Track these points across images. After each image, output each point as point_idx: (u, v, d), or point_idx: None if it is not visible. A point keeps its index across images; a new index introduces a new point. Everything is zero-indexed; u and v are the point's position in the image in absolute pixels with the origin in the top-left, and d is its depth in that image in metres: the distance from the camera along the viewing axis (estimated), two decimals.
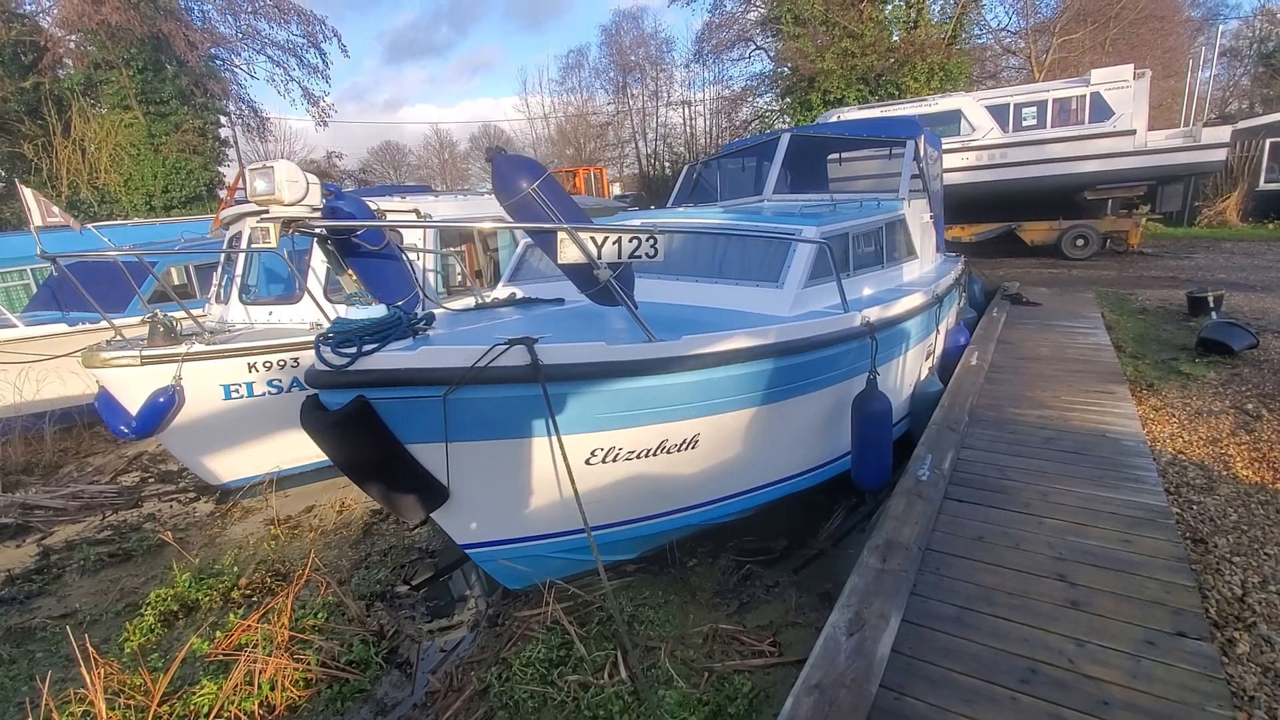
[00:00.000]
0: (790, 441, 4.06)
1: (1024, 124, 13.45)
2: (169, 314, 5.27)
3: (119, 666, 3.37)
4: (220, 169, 20.06)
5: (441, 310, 4.36)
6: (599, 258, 2.84)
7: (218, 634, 3.62)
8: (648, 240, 2.91)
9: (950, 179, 13.33)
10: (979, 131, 13.56)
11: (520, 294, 4.88)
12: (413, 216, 6.44)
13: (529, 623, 3.62)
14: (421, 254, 6.42)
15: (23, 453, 6.58)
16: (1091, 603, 2.77)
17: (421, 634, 3.71)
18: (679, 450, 3.50)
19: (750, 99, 25.53)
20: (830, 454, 4.40)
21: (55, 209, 4.24)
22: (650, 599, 3.82)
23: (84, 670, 2.93)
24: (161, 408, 5.09)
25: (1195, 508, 3.77)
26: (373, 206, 3.70)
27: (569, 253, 2.78)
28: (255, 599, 4.08)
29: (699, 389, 3.28)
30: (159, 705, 3.13)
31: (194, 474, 5.86)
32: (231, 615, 3.84)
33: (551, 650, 3.38)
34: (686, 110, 34.24)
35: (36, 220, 4.83)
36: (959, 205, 13.35)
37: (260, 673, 3.21)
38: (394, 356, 2.74)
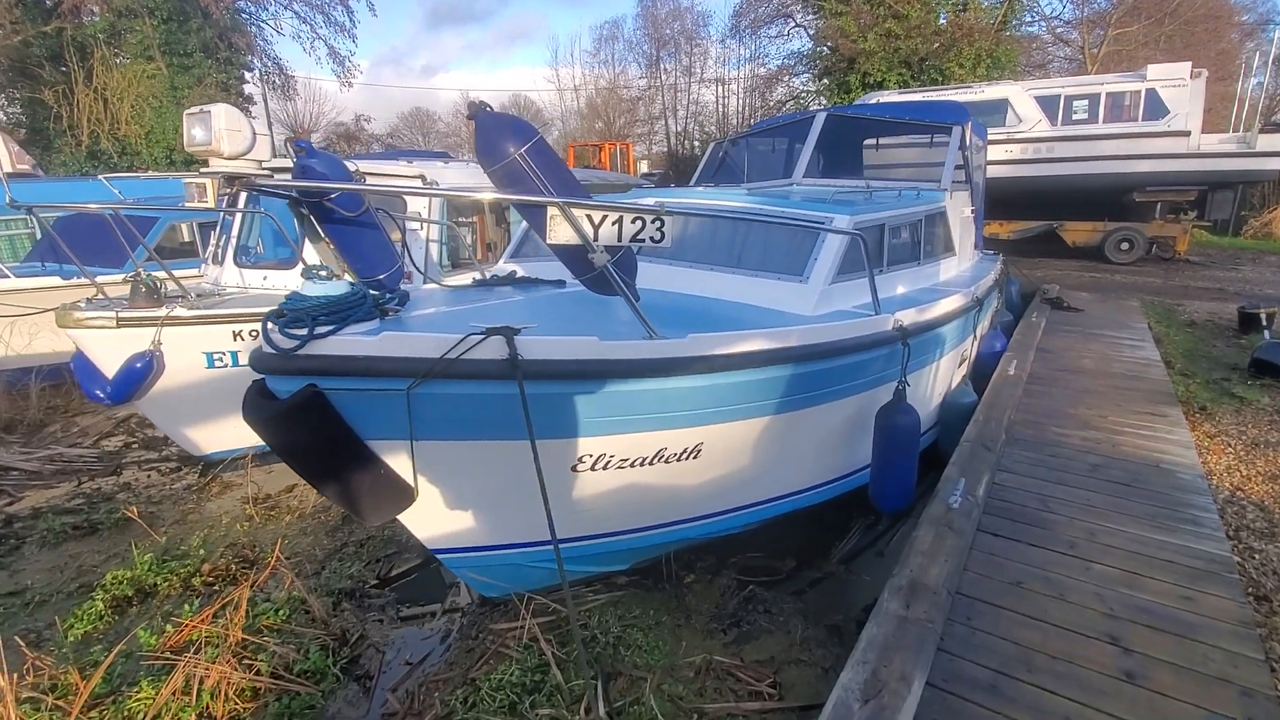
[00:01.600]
0: (804, 453, 3.66)
1: (1074, 117, 12.67)
2: (152, 274, 4.96)
3: (51, 661, 3.09)
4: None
5: (432, 287, 3.98)
6: (595, 239, 2.43)
7: (168, 627, 3.33)
8: (652, 221, 2.49)
9: (991, 171, 12.61)
10: (1026, 123, 12.81)
11: (521, 272, 4.48)
12: (418, 183, 6.04)
13: (505, 638, 3.28)
14: (425, 224, 6.04)
15: (6, 409, 6.37)
16: (1149, 675, 2.35)
17: (387, 641, 3.39)
18: (679, 460, 3.11)
19: (786, 79, 24.64)
20: (848, 467, 3.99)
21: (27, 156, 3.90)
22: (640, 619, 3.46)
23: (4, 681, 2.63)
24: (139, 373, 4.79)
25: (1257, 557, 3.31)
26: (351, 168, 3.30)
27: (560, 231, 2.38)
28: (217, 588, 3.79)
29: (704, 395, 2.88)
30: (88, 710, 2.84)
31: (176, 443, 5.60)
32: (186, 607, 3.54)
33: (526, 673, 3.04)
34: (720, 89, 33.32)
35: (6, 167, 4.52)
36: (999, 200, 12.64)
37: (203, 679, 2.90)
38: (352, 341, 2.37)
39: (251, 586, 3.67)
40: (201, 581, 3.83)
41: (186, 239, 9.24)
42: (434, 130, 51.96)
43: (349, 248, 3.30)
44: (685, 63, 34.32)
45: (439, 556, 3.23)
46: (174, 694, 2.86)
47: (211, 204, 2.28)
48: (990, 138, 12.58)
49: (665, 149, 35.57)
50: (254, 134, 2.32)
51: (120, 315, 4.61)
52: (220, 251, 6.24)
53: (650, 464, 3.06)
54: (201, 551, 4.12)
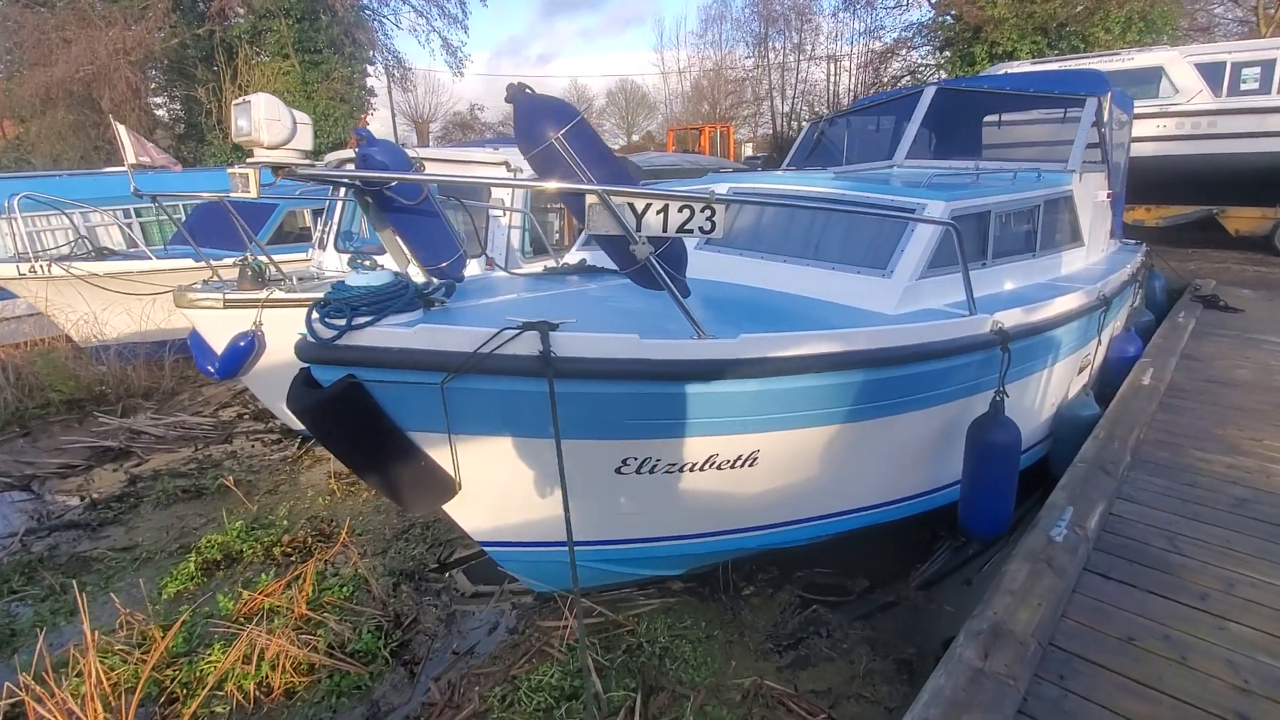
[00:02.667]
0: (881, 466, 3.32)
1: (1242, 88, 10.89)
2: (260, 258, 5.29)
3: (142, 618, 3.35)
4: (365, 116, 21.10)
5: (496, 275, 3.94)
6: (637, 229, 2.25)
7: (244, 594, 3.54)
8: (702, 210, 2.26)
9: (1140, 149, 11.14)
10: (1183, 94, 11.17)
11: (590, 261, 4.37)
12: (503, 170, 6.08)
13: (550, 637, 3.21)
14: (508, 212, 6.08)
15: (145, 378, 7.09)
16: None
17: (438, 628, 3.41)
18: (732, 467, 2.88)
19: (903, 52, 23.04)
20: (934, 482, 3.59)
21: (151, 148, 4.24)
22: (690, 630, 3.29)
23: (85, 625, 2.87)
24: (242, 351, 5.13)
25: None
26: (410, 155, 3.29)
27: (601, 221, 2.21)
28: (294, 559, 3.99)
29: (760, 400, 2.63)
30: (166, 667, 3.05)
31: (278, 416, 6.00)
32: (264, 575, 3.75)
33: (566, 676, 2.96)
34: (831, 66, 31.77)
35: (130, 159, 4.95)
36: (1147, 182, 11.15)
37: (264, 650, 3.04)
38: (388, 333, 2.34)
39: (319, 562, 3.84)
40: (280, 551, 4.05)
41: (306, 224, 9.93)
42: None
43: (412, 236, 3.30)
44: (795, 40, 32.97)
45: (486, 549, 3.20)
46: (236, 662, 3.02)
47: (254, 193, 2.30)
48: (1139, 111, 11.14)
49: (771, 131, 34.44)
50: (295, 123, 2.31)
51: (226, 296, 4.95)
52: (325, 237, 6.60)
53: (701, 470, 2.86)
54: (285, 522, 4.37)
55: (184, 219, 10.06)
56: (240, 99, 2.36)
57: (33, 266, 7.11)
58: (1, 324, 8.28)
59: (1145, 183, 11.12)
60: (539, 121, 2.24)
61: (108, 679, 2.89)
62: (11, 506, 4.93)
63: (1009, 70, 12.46)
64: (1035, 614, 2.46)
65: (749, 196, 3.40)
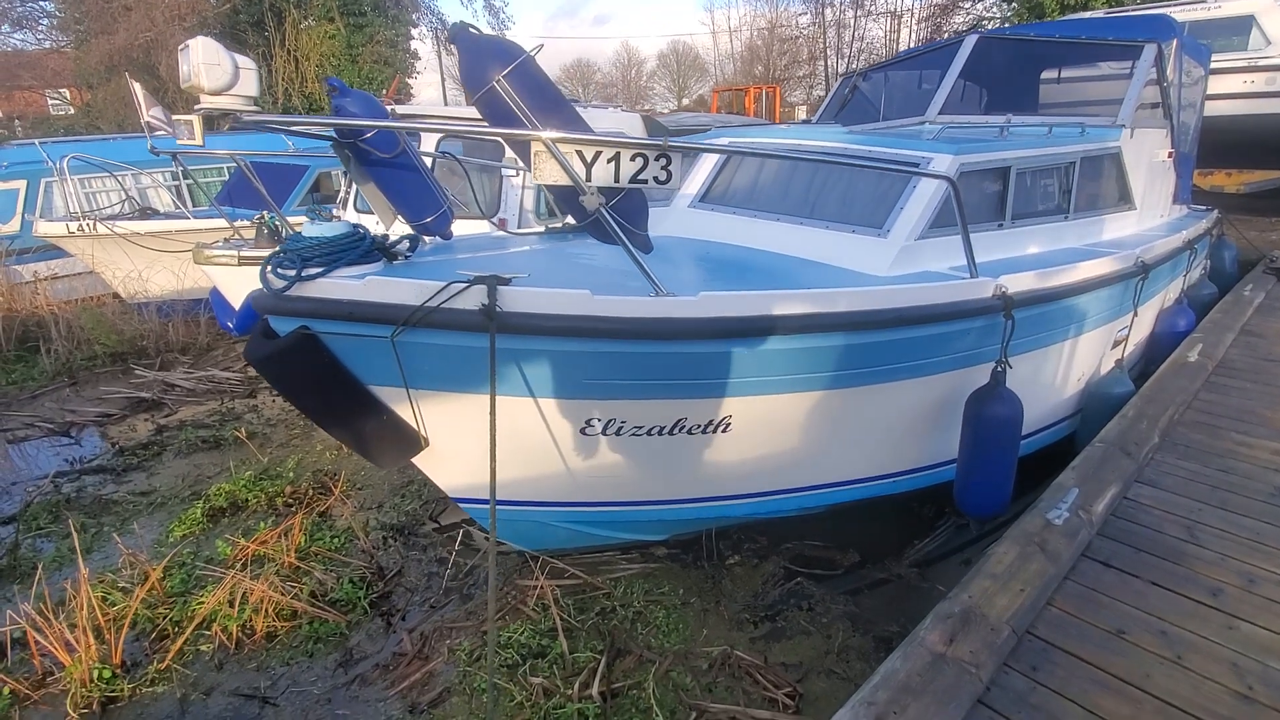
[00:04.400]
0: (870, 438, 3.14)
1: None
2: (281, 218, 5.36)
3: (145, 557, 3.49)
4: (408, 80, 21.19)
5: (498, 234, 3.86)
6: (587, 179, 2.11)
7: (241, 540, 3.65)
8: (656, 159, 2.11)
9: (1220, 107, 10.15)
10: (1276, 45, 10.09)
11: None
12: None
13: (525, 595, 3.20)
14: (521, 172, 5.98)
15: (183, 334, 7.38)
16: None
17: (420, 582, 3.45)
18: (703, 432, 2.77)
19: (966, 4, 21.61)
20: (933, 457, 3.39)
21: (160, 110, 4.27)
22: (667, 596, 3.23)
23: (80, 561, 3.00)
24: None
25: None
26: (388, 107, 3.20)
27: (547, 170, 2.09)
28: (294, 509, 4.10)
29: (728, 363, 2.49)
30: (157, 607, 3.18)
31: None
32: (262, 524, 3.86)
33: (537, 635, 2.95)
34: (890, 23, 30.13)
35: (144, 118, 5.04)
36: (1230, 143, 10.17)
37: (248, 594, 3.13)
38: (336, 285, 2.29)
39: (310, 513, 3.94)
40: (283, 502, 4.16)
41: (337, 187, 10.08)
42: (593, 80, 52.60)
43: (394, 191, 3.23)
44: None
45: (462, 505, 3.19)
46: (222, 603, 3.12)
47: (199, 141, 2.26)
48: (1223, 64, 10.14)
49: (825, 93, 33.02)
50: (236, 67, 2.24)
51: (241, 254, 5.05)
52: (348, 198, 6.66)
53: (670, 434, 2.75)
54: (291, 474, 4.49)
55: (227, 179, 10.36)
56: (182, 44, 2.31)
57: (80, 225, 7.43)
58: (57, 281, 8.72)
59: (1227, 144, 10.15)
60: (481, 63, 2.11)
61: (104, 613, 3.03)
62: (51, 450, 5.22)
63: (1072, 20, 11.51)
64: (1016, 600, 2.28)
65: (733, 149, 3.19)
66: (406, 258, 2.68)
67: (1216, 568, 2.51)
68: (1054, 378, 3.64)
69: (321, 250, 2.34)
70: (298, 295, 2.29)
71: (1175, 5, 11.28)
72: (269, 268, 2.35)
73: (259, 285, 2.36)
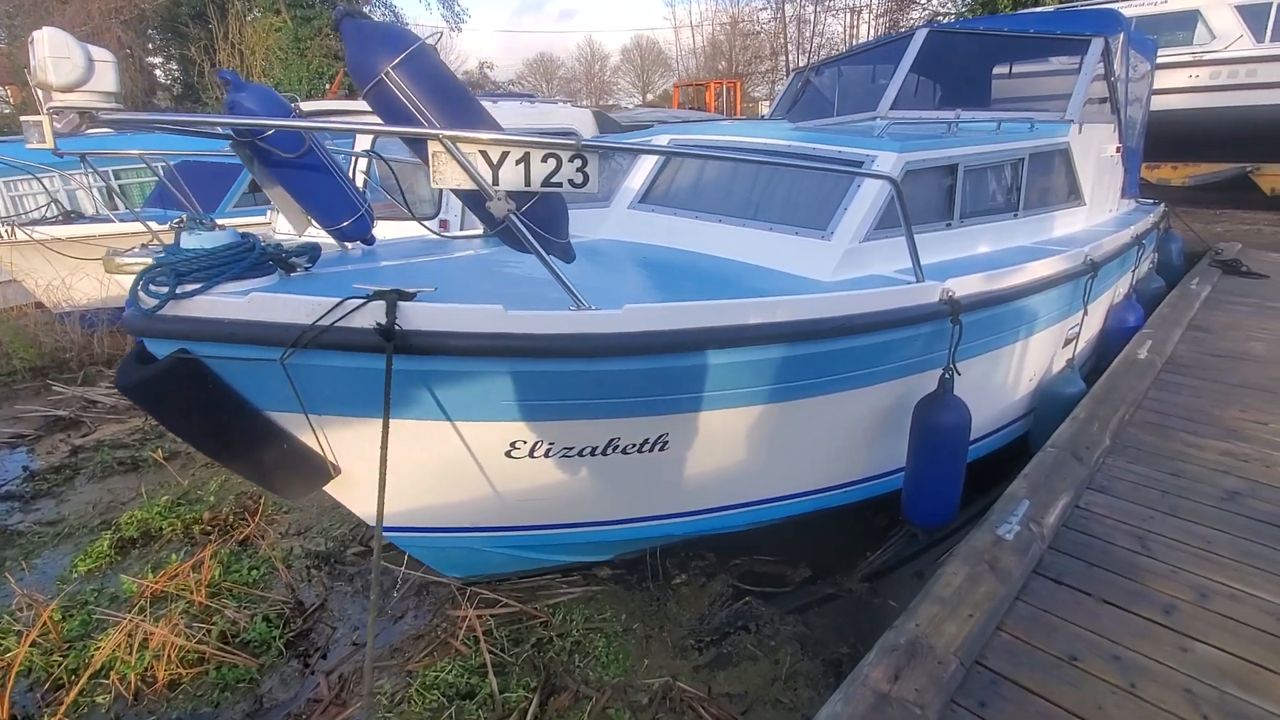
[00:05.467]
0: (818, 449, 3.00)
1: None
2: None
3: (42, 598, 3.19)
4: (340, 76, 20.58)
5: (429, 239, 3.61)
6: (494, 183, 1.91)
7: (148, 576, 3.36)
8: (570, 160, 1.91)
9: (1167, 101, 10.33)
10: (1221, 40, 10.30)
11: None
12: None
13: (456, 628, 2.99)
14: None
15: (108, 346, 6.94)
16: None
17: (344, 616, 3.21)
18: (639, 451, 2.59)
19: None
20: (883, 466, 3.27)
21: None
22: (609, 621, 3.05)
23: None
24: None
25: None
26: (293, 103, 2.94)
27: (448, 172, 1.87)
28: (212, 537, 3.81)
29: (660, 379, 2.31)
30: (53, 653, 2.89)
31: None
32: (173, 557, 3.57)
33: (466, 673, 2.74)
34: (851, 17, 30.30)
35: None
36: (1176, 137, 10.37)
37: (148, 638, 2.86)
38: (217, 303, 2.05)
39: (229, 542, 3.67)
40: (200, 530, 3.87)
41: None
42: (556, 75, 52.00)
43: (303, 193, 2.98)
44: None
45: (387, 535, 2.95)
46: (119, 650, 2.84)
47: (49, 144, 1.99)
48: (1170, 59, 10.32)
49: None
50: (90, 60, 1.99)
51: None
52: None
53: (604, 454, 2.57)
54: (213, 499, 4.18)
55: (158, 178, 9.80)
56: (30, 36, 2.03)
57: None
58: None
59: (1174, 139, 10.35)
60: (368, 53, 1.89)
61: None
62: None
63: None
64: (965, 627, 2.15)
65: (658, 149, 3.01)
66: (307, 269, 2.43)
67: (1169, 581, 2.42)
68: (1005, 380, 3.55)
69: (200, 263, 2.09)
70: (172, 315, 2.04)
71: (1125, 2, 11.46)
72: (140, 284, 2.09)
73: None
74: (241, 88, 2.66)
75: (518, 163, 1.90)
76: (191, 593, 3.21)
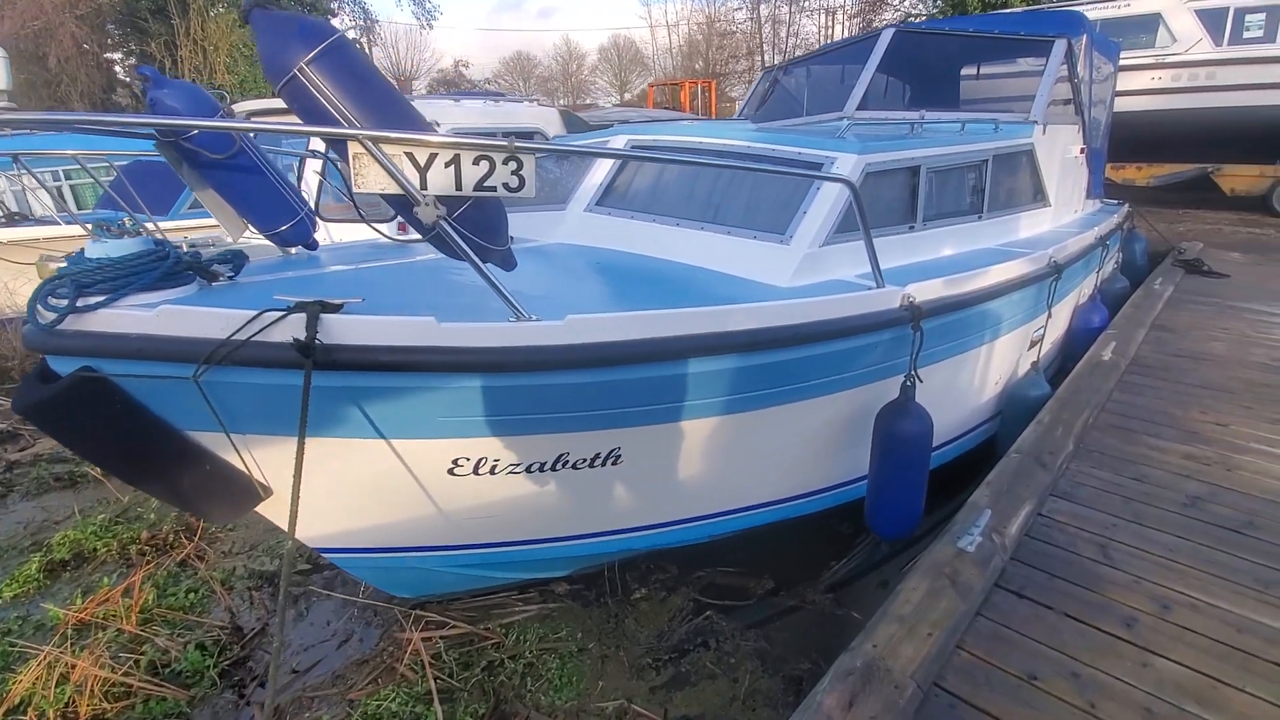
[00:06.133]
0: (780, 458, 2.92)
1: (1245, 36, 10.17)
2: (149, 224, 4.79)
3: None
4: None
5: (380, 243, 3.45)
6: (421, 186, 1.78)
7: (77, 602, 3.17)
8: (505, 162, 1.80)
9: (1132, 104, 10.48)
10: (1181, 43, 10.47)
11: None
12: None
13: (402, 652, 2.85)
14: None
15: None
16: None
17: (285, 642, 3.05)
18: (591, 466, 2.48)
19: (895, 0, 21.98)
20: (847, 474, 3.20)
21: None
22: (564, 641, 2.93)
23: None
24: None
25: None
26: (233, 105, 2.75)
27: (371, 175, 1.75)
28: (149, 557, 3.61)
29: (604, 393, 2.20)
30: None
31: None
32: (105, 580, 3.38)
33: (411, 700, 2.60)
34: (825, 18, 30.51)
35: None
36: (1140, 138, 10.53)
37: (69, 670, 2.68)
38: (123, 316, 1.89)
39: (168, 562, 3.48)
40: (138, 550, 3.67)
41: None
42: (534, 74, 51.60)
43: (237, 197, 2.82)
44: None
45: (325, 556, 2.81)
46: (39, 683, 2.66)
47: None
48: (1133, 61, 10.46)
49: None
50: None
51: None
52: None
53: (553, 469, 2.45)
54: (153, 516, 3.98)
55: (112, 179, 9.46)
56: None
57: None
58: None
59: (1137, 139, 10.51)
60: (280, 47, 1.75)
61: None
62: None
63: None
64: (923, 647, 2.08)
65: (599, 150, 2.90)
66: (230, 277, 2.28)
67: (1130, 592, 2.36)
68: (970, 385, 3.50)
69: (105, 274, 1.93)
70: (74, 330, 1.89)
71: (1087, 3, 11.62)
72: (38, 297, 1.93)
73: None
74: (162, 84, 2.50)
75: (447, 165, 1.78)
76: (122, 619, 3.03)
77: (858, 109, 5.29)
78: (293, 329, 1.87)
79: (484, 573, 2.99)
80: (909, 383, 2.69)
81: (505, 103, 6.74)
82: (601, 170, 3.50)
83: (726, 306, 2.22)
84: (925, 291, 2.71)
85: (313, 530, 2.65)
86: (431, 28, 24.57)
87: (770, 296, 2.58)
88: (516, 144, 1.78)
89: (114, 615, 3.05)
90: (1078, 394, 3.89)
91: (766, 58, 31.68)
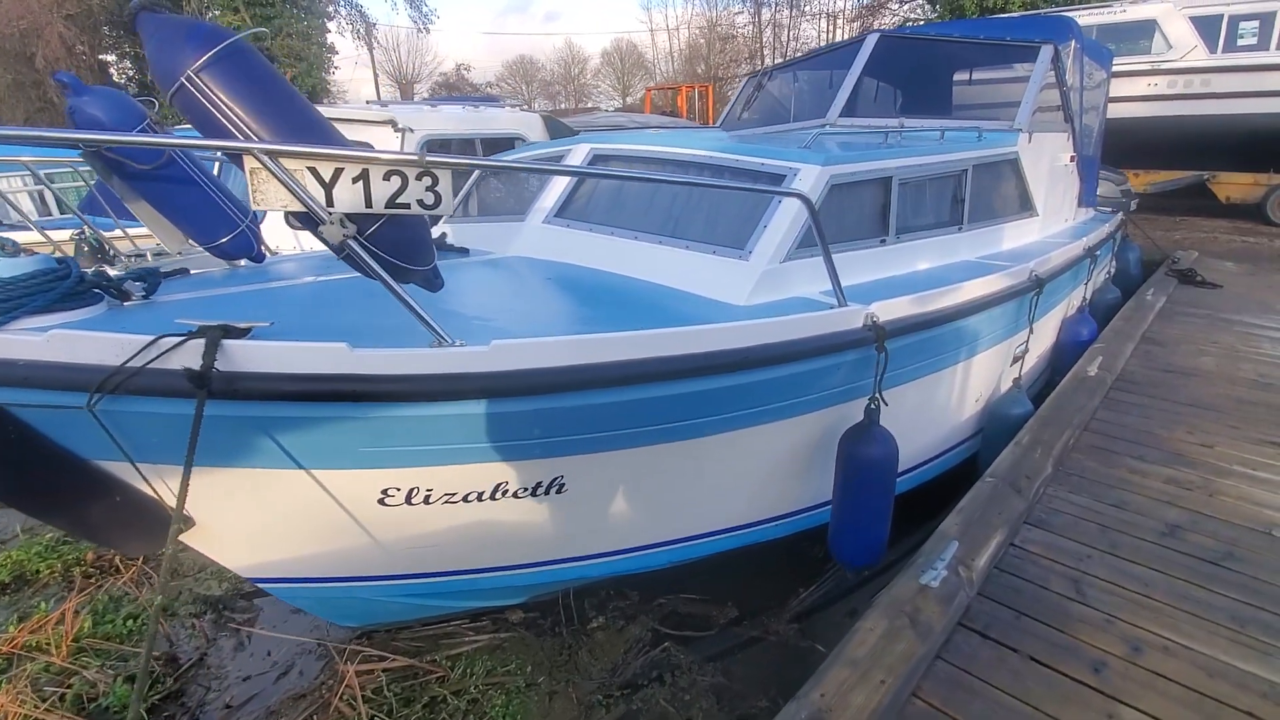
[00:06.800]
0: (739, 484, 2.78)
1: (1239, 43, 10.06)
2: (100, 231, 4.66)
3: None
4: (325, 75, 20.06)
5: (301, 255, 3.33)
6: (328, 203, 1.66)
7: (10, 629, 3.04)
8: (419, 178, 1.67)
9: (1127, 110, 10.37)
10: (1176, 50, 10.35)
11: (453, 236, 3.78)
12: (388, 130, 5.43)
13: (340, 687, 2.71)
14: None
15: None
16: None
17: (222, 672, 2.92)
18: (533, 495, 2.34)
19: (894, 5, 21.88)
20: (812, 498, 3.06)
21: None
22: (512, 675, 2.79)
23: None
24: None
25: None
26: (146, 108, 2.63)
27: (270, 192, 1.62)
28: (94, 579, 3.48)
29: (538, 421, 2.07)
30: None
31: None
32: (42, 605, 3.25)
33: None
34: (826, 23, 30.43)
35: None
36: (1136, 145, 10.41)
37: None
38: (8, 341, 1.76)
39: (109, 586, 3.35)
40: (82, 572, 3.54)
41: None
42: (536, 78, 51.55)
43: (172, 209, 2.70)
44: None
45: (262, 586, 2.68)
46: None
47: None
48: (1127, 67, 10.35)
49: None
50: None
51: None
52: None
53: (492, 499, 2.32)
54: None
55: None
56: None
57: None
58: None
59: (1133, 146, 10.38)
60: (169, 53, 1.63)
61: None
62: None
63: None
64: (875, 696, 1.94)
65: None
66: (145, 297, 2.15)
67: (1101, 633, 2.23)
68: (944, 405, 3.37)
69: None
70: None
71: (1083, 9, 11.51)
72: None
73: None
74: (82, 91, 2.37)
75: (355, 181, 1.65)
76: (54, 649, 2.89)
77: (844, 115, 5.18)
78: (191, 355, 1.74)
79: (432, 602, 2.85)
80: (873, 405, 2.56)
81: (484, 107, 6.62)
82: (562, 181, 3.37)
83: (665, 330, 2.09)
84: (890, 310, 2.58)
85: (243, 560, 2.52)
86: (428, 31, 24.42)
87: (725, 315, 2.45)
88: (428, 158, 1.65)
89: (46, 645, 2.92)
90: (1061, 412, 3.75)
91: (767, 62, 31.59)
